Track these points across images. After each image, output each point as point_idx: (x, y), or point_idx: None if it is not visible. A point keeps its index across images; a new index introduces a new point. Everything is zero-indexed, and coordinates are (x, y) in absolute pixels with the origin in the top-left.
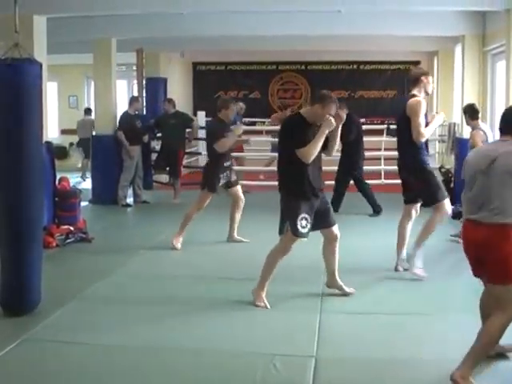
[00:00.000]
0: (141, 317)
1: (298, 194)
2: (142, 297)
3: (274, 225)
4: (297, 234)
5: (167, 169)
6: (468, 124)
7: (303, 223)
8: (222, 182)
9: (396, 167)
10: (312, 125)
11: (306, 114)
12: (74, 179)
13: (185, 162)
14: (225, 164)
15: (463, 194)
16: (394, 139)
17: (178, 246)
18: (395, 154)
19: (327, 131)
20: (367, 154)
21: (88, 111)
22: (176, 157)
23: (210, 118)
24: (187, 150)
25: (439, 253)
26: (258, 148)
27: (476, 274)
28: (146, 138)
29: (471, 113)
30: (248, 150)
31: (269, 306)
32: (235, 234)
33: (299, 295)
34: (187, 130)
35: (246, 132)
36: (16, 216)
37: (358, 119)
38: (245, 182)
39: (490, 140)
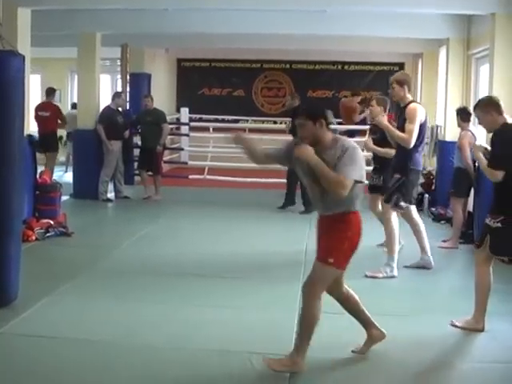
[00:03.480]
0: (117, 312)
1: None
2: (118, 292)
3: None
4: None
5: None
6: (459, 126)
7: None
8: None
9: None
10: None
11: None
12: (56, 173)
13: (168, 157)
14: None
15: None
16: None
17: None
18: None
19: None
20: None
21: (75, 105)
22: (154, 154)
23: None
24: (171, 146)
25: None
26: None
27: None
28: (126, 134)
29: (463, 115)
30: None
31: None
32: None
33: (277, 292)
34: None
35: (228, 129)
36: None
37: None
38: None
39: (478, 142)
